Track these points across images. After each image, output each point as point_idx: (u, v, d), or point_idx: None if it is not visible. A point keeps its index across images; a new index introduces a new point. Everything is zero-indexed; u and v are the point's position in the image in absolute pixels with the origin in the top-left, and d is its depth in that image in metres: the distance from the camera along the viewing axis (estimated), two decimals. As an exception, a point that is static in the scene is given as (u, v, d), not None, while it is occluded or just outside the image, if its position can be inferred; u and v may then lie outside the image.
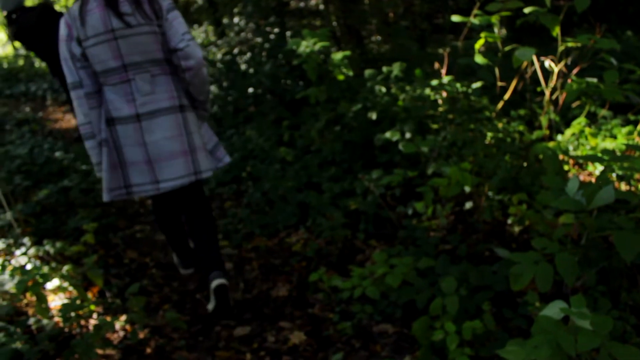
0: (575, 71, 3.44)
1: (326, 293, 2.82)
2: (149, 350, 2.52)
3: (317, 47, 4.00)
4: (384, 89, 4.05)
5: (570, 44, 3.13)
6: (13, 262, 3.06)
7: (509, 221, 2.86)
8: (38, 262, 3.07)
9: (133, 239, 3.74)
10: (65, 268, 2.70)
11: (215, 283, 2.67)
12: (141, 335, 2.60)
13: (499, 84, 3.68)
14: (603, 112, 3.72)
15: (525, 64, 3.44)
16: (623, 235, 1.80)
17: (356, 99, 4.21)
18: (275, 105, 5.27)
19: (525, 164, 3.11)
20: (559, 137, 3.51)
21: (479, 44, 3.43)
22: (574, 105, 3.81)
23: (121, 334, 2.61)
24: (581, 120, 3.44)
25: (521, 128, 3.54)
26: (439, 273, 2.50)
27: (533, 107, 3.86)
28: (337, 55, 4.07)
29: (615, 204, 2.00)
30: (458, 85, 3.73)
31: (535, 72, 3.50)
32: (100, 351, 2.40)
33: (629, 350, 1.44)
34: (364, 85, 4.29)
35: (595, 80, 3.12)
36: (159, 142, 2.57)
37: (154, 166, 2.58)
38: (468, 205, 3.08)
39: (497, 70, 3.62)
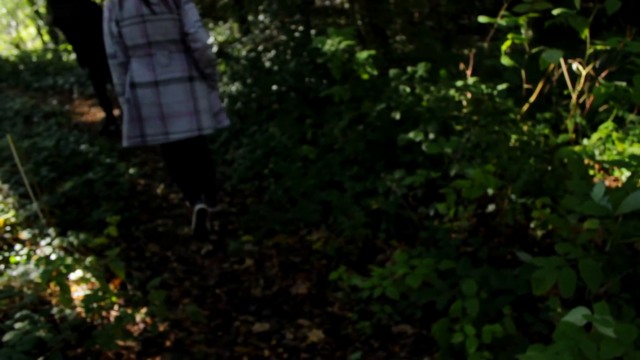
0: (603, 74, 3.39)
1: (346, 292, 2.82)
2: (168, 343, 2.55)
3: (342, 45, 3.99)
4: (408, 89, 4.03)
5: (599, 47, 3.08)
6: (38, 252, 3.11)
7: (532, 225, 2.83)
8: (62, 253, 3.12)
9: (155, 233, 3.78)
10: (88, 260, 2.73)
11: (196, 207, 3.41)
12: (161, 328, 2.63)
13: (525, 86, 3.63)
14: (631, 116, 3.64)
15: (552, 66, 3.40)
16: (649, 242, 1.77)
17: (380, 99, 4.20)
18: (298, 103, 5.27)
19: (549, 168, 3.07)
20: (585, 141, 3.45)
21: (505, 46, 3.39)
22: (601, 109, 3.74)
23: (141, 326, 2.64)
24: (608, 125, 3.38)
25: (546, 131, 3.49)
26: (459, 275, 2.48)
27: (559, 111, 3.81)
28: (362, 54, 4.06)
29: (642, 210, 1.96)
30: (483, 86, 3.69)
31: (562, 74, 3.45)
32: (120, 342, 2.43)
33: (653, 359, 1.42)
34: (388, 84, 4.27)
35: (624, 84, 3.06)
36: (170, 104, 3.27)
37: (166, 121, 3.28)
38: (491, 207, 3.06)
39: (523, 72, 3.58)
